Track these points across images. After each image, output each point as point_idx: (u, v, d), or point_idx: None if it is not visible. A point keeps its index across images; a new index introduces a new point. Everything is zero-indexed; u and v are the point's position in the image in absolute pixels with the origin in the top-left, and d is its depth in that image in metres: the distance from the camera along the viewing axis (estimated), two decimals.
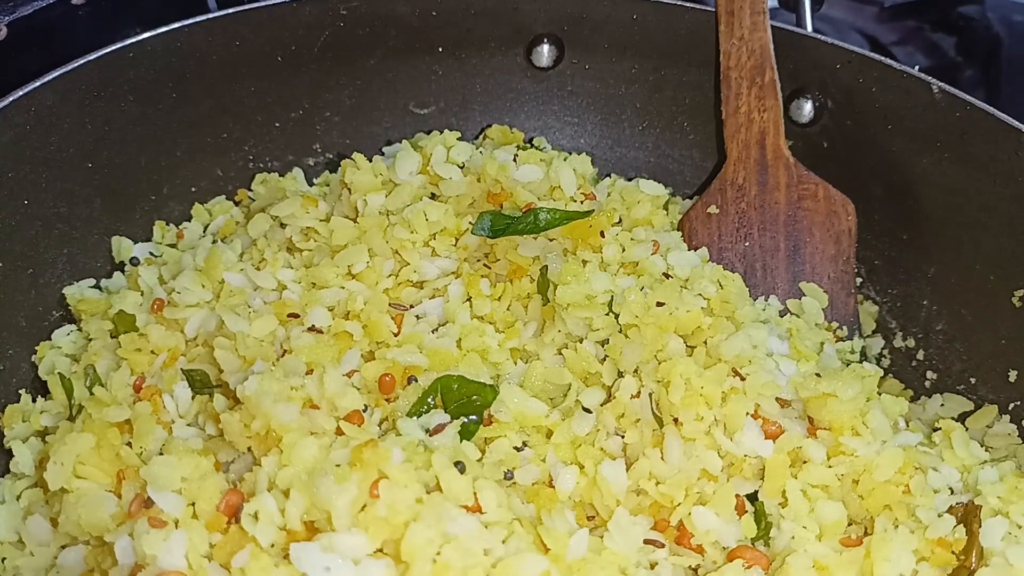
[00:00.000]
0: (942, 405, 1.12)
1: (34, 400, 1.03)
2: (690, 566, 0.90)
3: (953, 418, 1.08)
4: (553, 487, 0.92)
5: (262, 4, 1.20)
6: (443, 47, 1.29)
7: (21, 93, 1.04)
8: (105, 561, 0.84)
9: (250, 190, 1.26)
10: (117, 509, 0.87)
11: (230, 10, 1.19)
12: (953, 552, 0.90)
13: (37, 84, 1.05)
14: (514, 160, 1.14)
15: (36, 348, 1.07)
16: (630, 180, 1.25)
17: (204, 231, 1.21)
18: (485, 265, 1.08)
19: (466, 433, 0.93)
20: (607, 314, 1.02)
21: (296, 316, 1.01)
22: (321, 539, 0.77)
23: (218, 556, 0.80)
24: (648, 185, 1.20)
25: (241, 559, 0.78)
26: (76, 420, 0.95)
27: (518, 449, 0.94)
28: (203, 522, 0.81)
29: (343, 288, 1.05)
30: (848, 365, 1.09)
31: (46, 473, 0.89)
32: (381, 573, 0.77)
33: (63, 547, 0.90)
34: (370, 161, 1.14)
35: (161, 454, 0.87)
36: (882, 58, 1.17)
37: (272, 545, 0.79)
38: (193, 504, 0.82)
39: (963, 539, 0.90)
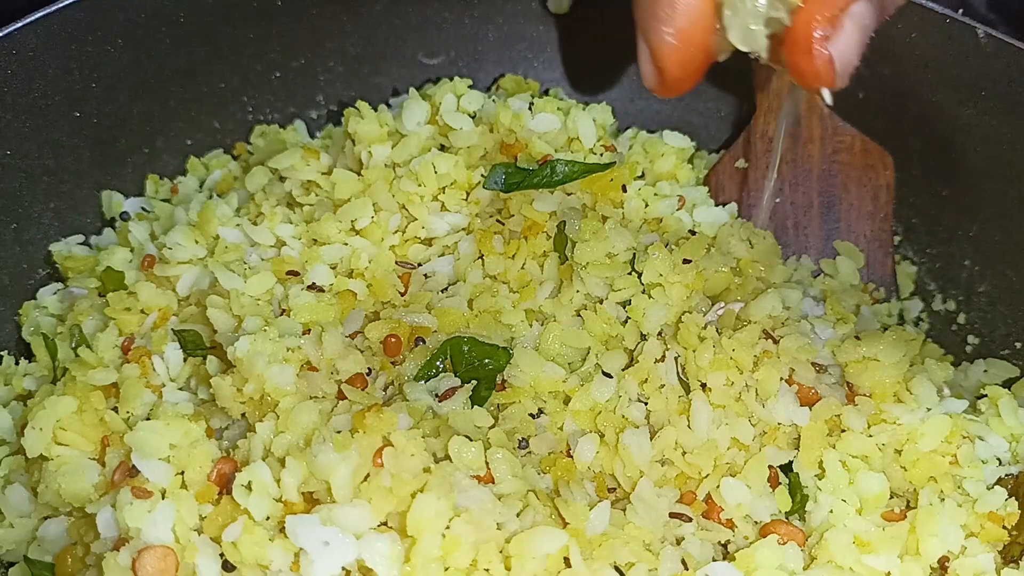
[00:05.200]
0: (985, 371, 1.06)
1: (17, 362, 0.99)
2: (719, 542, 0.85)
3: (998, 385, 1.01)
4: (571, 457, 0.87)
5: None
6: None
7: (1, 34, 0.98)
8: (88, 534, 0.80)
9: (248, 143, 1.20)
10: (100, 478, 0.83)
11: None
12: (1005, 527, 0.85)
13: (19, 24, 0.99)
14: (529, 109, 1.08)
15: (20, 308, 1.03)
16: (653, 133, 1.18)
17: (200, 186, 1.16)
18: (498, 221, 1.02)
19: (478, 399, 0.89)
20: (629, 273, 0.97)
21: (296, 274, 0.96)
22: (320, 511, 0.73)
23: (208, 529, 0.75)
24: (673, 137, 1.13)
25: (233, 532, 0.73)
26: (58, 383, 0.90)
27: (533, 416, 0.89)
28: (192, 492, 0.77)
29: (346, 244, 0.99)
30: (886, 329, 1.03)
31: (24, 439, 0.84)
32: (385, 548, 0.73)
33: (44, 518, 0.85)
34: (375, 111, 1.08)
35: (149, 419, 0.82)
36: (923, 1, 1.10)
37: (267, 518, 0.75)
38: (182, 473, 0.78)
39: (1016, 513, 0.86)
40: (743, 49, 0.70)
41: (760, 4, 0.66)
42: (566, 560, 0.76)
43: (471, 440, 0.80)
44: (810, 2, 0.63)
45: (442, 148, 1.05)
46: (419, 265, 1.00)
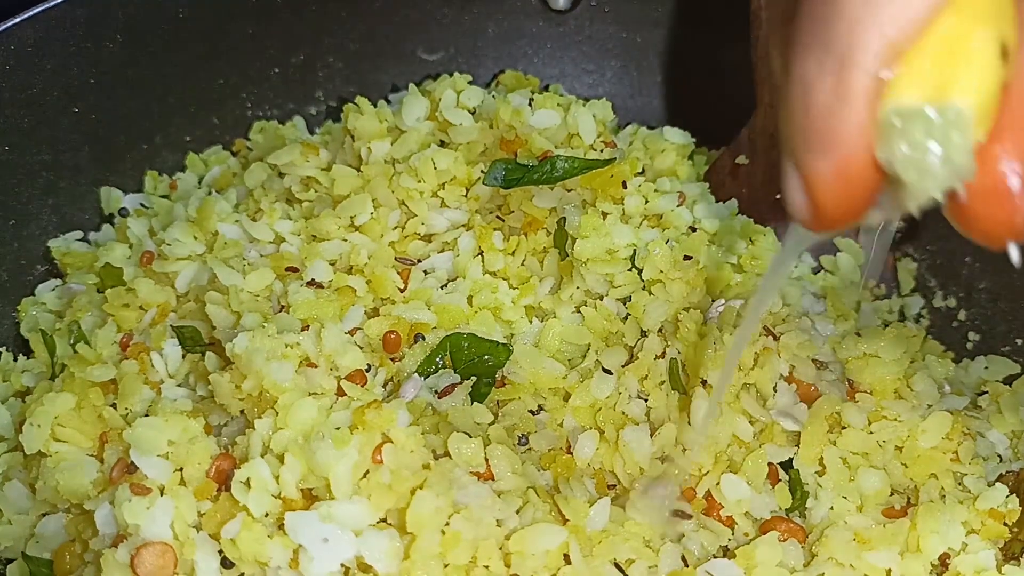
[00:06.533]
0: (986, 368, 1.05)
1: (15, 359, 0.99)
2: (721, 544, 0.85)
3: (998, 382, 1.01)
4: (571, 453, 0.86)
5: None
6: None
7: (0, 29, 0.97)
8: (87, 530, 0.80)
9: (248, 139, 1.20)
10: (98, 475, 0.82)
11: None
12: (1006, 524, 0.84)
13: (17, 20, 0.99)
14: (529, 105, 1.07)
15: (18, 304, 1.02)
16: (653, 129, 1.18)
17: (199, 182, 1.15)
18: (498, 217, 1.01)
19: (477, 395, 0.89)
20: (629, 269, 0.96)
21: (295, 270, 0.96)
22: (319, 508, 0.73)
23: (207, 526, 0.75)
24: (673, 133, 1.13)
25: (232, 529, 0.73)
26: (57, 379, 0.90)
27: (533, 413, 0.89)
28: (191, 489, 0.76)
29: (345, 241, 0.99)
30: (887, 325, 1.03)
31: (21, 436, 0.83)
32: (384, 545, 0.73)
33: (43, 515, 0.85)
34: (375, 107, 1.08)
35: (147, 416, 0.81)
36: None
37: (266, 514, 0.74)
38: (180, 470, 0.78)
39: (1017, 510, 0.85)
40: (917, 197, 0.52)
41: (936, 136, 0.49)
42: (566, 557, 0.76)
43: (471, 436, 0.80)
44: (1000, 136, 0.49)
45: (442, 144, 1.05)
46: (418, 261, 0.99)
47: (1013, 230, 0.50)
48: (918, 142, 0.49)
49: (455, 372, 0.89)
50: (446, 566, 0.73)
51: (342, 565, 0.72)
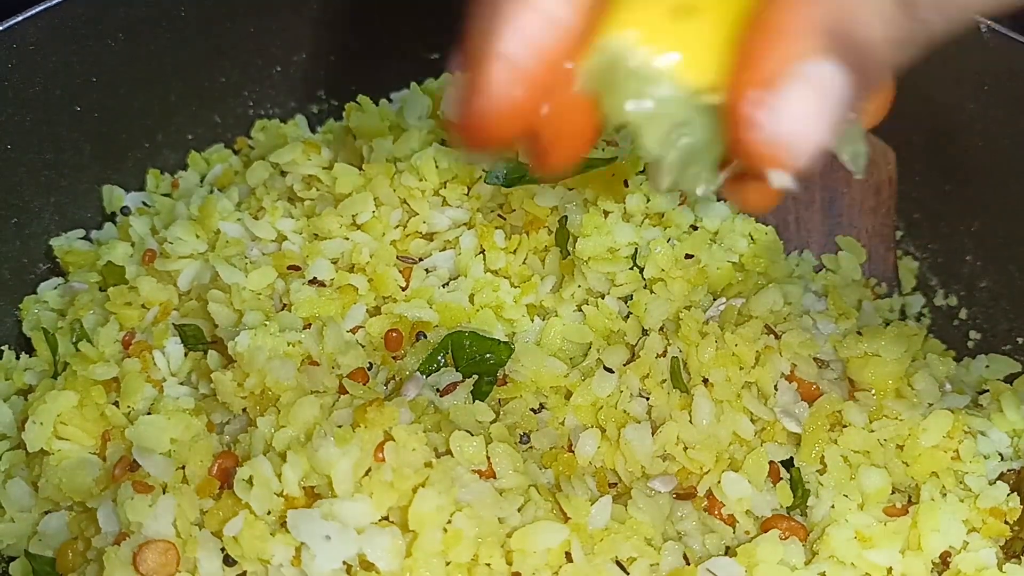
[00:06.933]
0: (987, 367, 1.05)
1: (17, 357, 0.99)
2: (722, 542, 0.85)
3: (999, 380, 1.01)
4: (572, 452, 0.86)
5: None
6: None
7: (1, 28, 0.97)
8: (89, 528, 0.80)
9: (249, 138, 1.20)
10: (101, 473, 0.82)
11: None
12: (1007, 522, 0.85)
13: (19, 18, 0.99)
14: None
15: (20, 302, 1.02)
16: None
17: (201, 180, 1.15)
18: (499, 215, 1.01)
19: (479, 393, 0.89)
20: (631, 268, 0.96)
21: (297, 268, 0.96)
22: (321, 506, 0.73)
23: (209, 524, 0.75)
24: None
25: (234, 527, 0.73)
26: (59, 377, 0.90)
27: (535, 411, 0.89)
28: (193, 487, 0.77)
29: (347, 239, 0.99)
30: (888, 324, 1.03)
31: (24, 434, 0.84)
32: (387, 543, 0.73)
33: (45, 513, 0.85)
34: (377, 105, 1.08)
35: (150, 414, 0.82)
36: None
37: (268, 512, 0.74)
38: (183, 468, 0.78)
39: (1018, 508, 0.85)
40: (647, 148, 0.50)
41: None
42: (568, 555, 0.76)
43: (472, 435, 0.80)
44: (740, 65, 0.47)
45: (443, 143, 1.05)
46: (420, 260, 0.99)
47: (765, 160, 0.47)
48: (620, 90, 0.48)
49: (457, 370, 0.89)
50: (448, 564, 0.73)
51: (344, 563, 0.73)
